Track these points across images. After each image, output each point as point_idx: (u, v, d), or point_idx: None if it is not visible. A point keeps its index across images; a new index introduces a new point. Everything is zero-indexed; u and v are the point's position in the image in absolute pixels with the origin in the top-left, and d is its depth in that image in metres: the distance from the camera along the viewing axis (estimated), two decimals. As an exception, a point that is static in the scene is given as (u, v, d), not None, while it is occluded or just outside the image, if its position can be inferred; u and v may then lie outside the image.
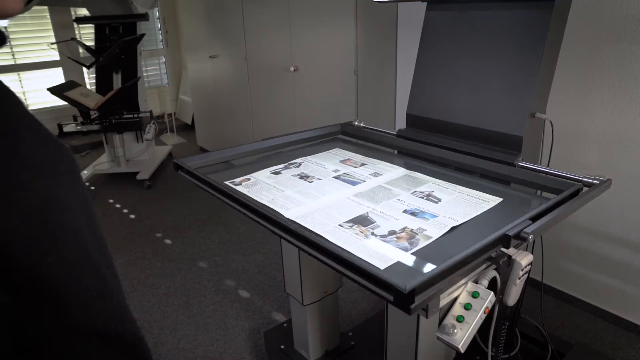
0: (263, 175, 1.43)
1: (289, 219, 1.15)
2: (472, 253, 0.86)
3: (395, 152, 1.68)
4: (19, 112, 0.40)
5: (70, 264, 0.37)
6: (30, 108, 4.55)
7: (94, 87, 3.95)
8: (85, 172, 3.94)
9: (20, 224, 0.34)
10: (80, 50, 4.58)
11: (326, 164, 1.53)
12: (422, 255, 0.97)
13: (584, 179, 1.23)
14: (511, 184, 1.35)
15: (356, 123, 1.86)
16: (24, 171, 0.37)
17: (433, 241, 1.02)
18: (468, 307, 0.95)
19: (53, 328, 0.36)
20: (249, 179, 1.40)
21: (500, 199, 1.22)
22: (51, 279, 0.35)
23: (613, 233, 1.95)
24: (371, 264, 0.91)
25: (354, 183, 1.36)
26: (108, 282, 0.42)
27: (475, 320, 0.93)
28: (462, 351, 0.92)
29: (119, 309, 0.42)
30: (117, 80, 3.87)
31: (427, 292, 0.78)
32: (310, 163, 1.54)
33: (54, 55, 4.64)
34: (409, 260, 0.95)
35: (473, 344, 1.07)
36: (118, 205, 3.50)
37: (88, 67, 3.86)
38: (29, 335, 0.34)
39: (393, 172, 1.44)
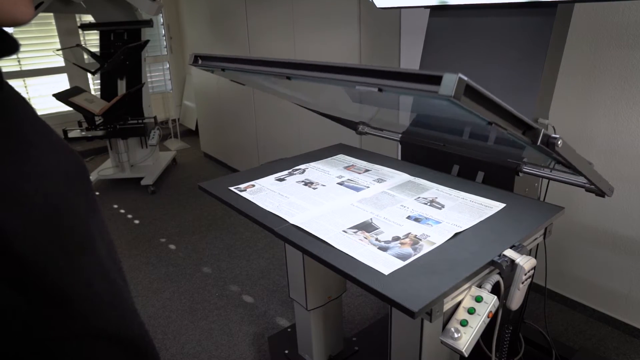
0: (267, 182, 1.44)
1: (293, 225, 1.16)
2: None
3: (399, 158, 1.69)
4: (30, 118, 0.41)
5: (81, 269, 0.38)
6: (35, 114, 4.57)
7: (99, 93, 3.97)
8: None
9: (32, 228, 0.35)
10: (85, 56, 4.62)
11: (330, 170, 1.54)
12: (426, 260, 0.98)
13: (587, 185, 1.23)
14: (514, 190, 1.36)
15: (360, 128, 1.87)
16: (35, 177, 0.37)
17: (437, 247, 1.03)
18: (472, 311, 0.95)
19: (64, 331, 0.36)
20: (253, 185, 1.42)
21: (503, 205, 1.23)
22: (62, 282, 0.36)
23: (617, 238, 1.95)
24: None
25: (357, 189, 1.37)
26: (118, 286, 0.42)
27: (478, 324, 0.94)
28: (466, 355, 0.93)
29: (128, 313, 0.43)
30: (121, 86, 3.89)
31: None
32: (314, 169, 1.55)
33: (59, 62, 4.67)
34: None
35: (477, 349, 1.08)
36: (122, 211, 3.52)
37: (93, 73, 3.89)
38: (40, 337, 0.35)
39: (397, 178, 1.45)
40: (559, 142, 0.87)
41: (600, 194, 1.22)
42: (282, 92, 1.64)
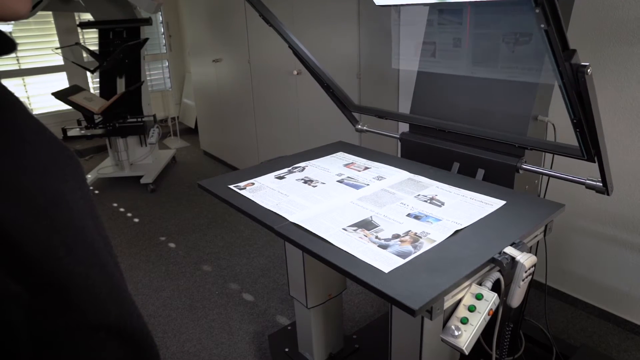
0: (267, 180, 1.44)
1: (293, 223, 1.15)
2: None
3: (399, 155, 1.69)
4: (23, 116, 0.41)
5: (80, 260, 0.38)
6: (34, 112, 4.57)
7: (98, 91, 3.97)
8: (89, 176, 3.96)
9: (31, 221, 0.35)
10: (84, 54, 4.61)
11: (330, 167, 1.54)
12: (426, 258, 0.98)
13: (587, 181, 1.23)
14: (514, 188, 1.36)
15: (359, 126, 1.86)
16: (32, 170, 0.37)
17: (437, 245, 1.03)
18: (472, 309, 0.95)
19: (63, 323, 0.36)
20: (253, 184, 1.41)
21: (503, 202, 1.22)
22: (62, 274, 0.36)
23: (617, 235, 1.95)
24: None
25: (357, 187, 1.37)
26: (116, 279, 0.42)
27: (479, 322, 0.93)
28: (467, 353, 0.93)
29: (126, 305, 0.43)
30: (120, 85, 3.89)
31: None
32: (314, 167, 1.55)
33: (58, 60, 4.66)
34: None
35: (477, 346, 1.07)
36: (122, 209, 3.51)
37: (92, 72, 3.88)
38: (38, 329, 0.35)
39: (396, 175, 1.45)
40: (589, 70, 0.80)
41: (601, 190, 1.21)
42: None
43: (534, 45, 1.33)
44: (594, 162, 1.16)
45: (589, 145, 1.12)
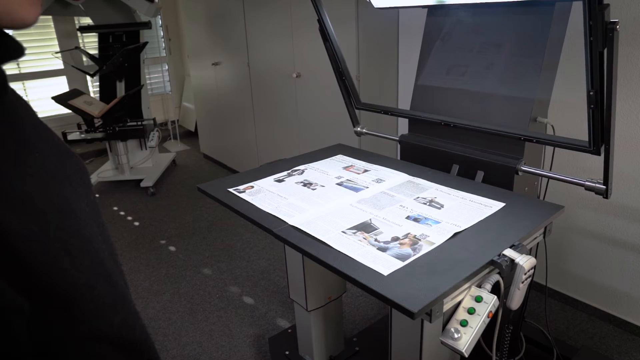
0: (267, 183, 1.44)
1: (292, 226, 1.16)
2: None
3: (398, 158, 1.69)
4: (33, 121, 0.41)
5: (85, 271, 0.38)
6: (34, 117, 4.55)
7: (98, 95, 3.97)
8: (89, 179, 3.96)
9: (37, 231, 0.34)
10: (84, 58, 4.61)
11: (329, 170, 1.54)
12: (425, 261, 0.98)
13: (586, 183, 1.23)
14: (513, 189, 1.36)
15: (359, 129, 1.87)
16: (38, 179, 0.37)
17: (436, 247, 1.03)
18: (472, 311, 0.95)
19: (67, 334, 0.36)
20: (252, 187, 1.41)
21: (502, 204, 1.22)
22: (67, 285, 0.36)
23: (617, 236, 1.95)
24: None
25: (356, 189, 1.37)
26: (120, 289, 0.42)
27: (478, 324, 0.93)
28: (466, 355, 0.93)
29: (130, 316, 0.42)
30: (120, 88, 3.89)
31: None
32: (313, 170, 1.55)
33: (58, 64, 4.67)
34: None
35: (478, 348, 1.07)
36: (122, 213, 3.51)
37: (92, 76, 3.88)
38: (42, 340, 0.34)
39: (396, 178, 1.45)
40: (617, 27, 0.80)
41: (601, 191, 1.21)
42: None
43: (533, 51, 1.33)
44: (599, 154, 1.15)
45: (599, 131, 1.10)
